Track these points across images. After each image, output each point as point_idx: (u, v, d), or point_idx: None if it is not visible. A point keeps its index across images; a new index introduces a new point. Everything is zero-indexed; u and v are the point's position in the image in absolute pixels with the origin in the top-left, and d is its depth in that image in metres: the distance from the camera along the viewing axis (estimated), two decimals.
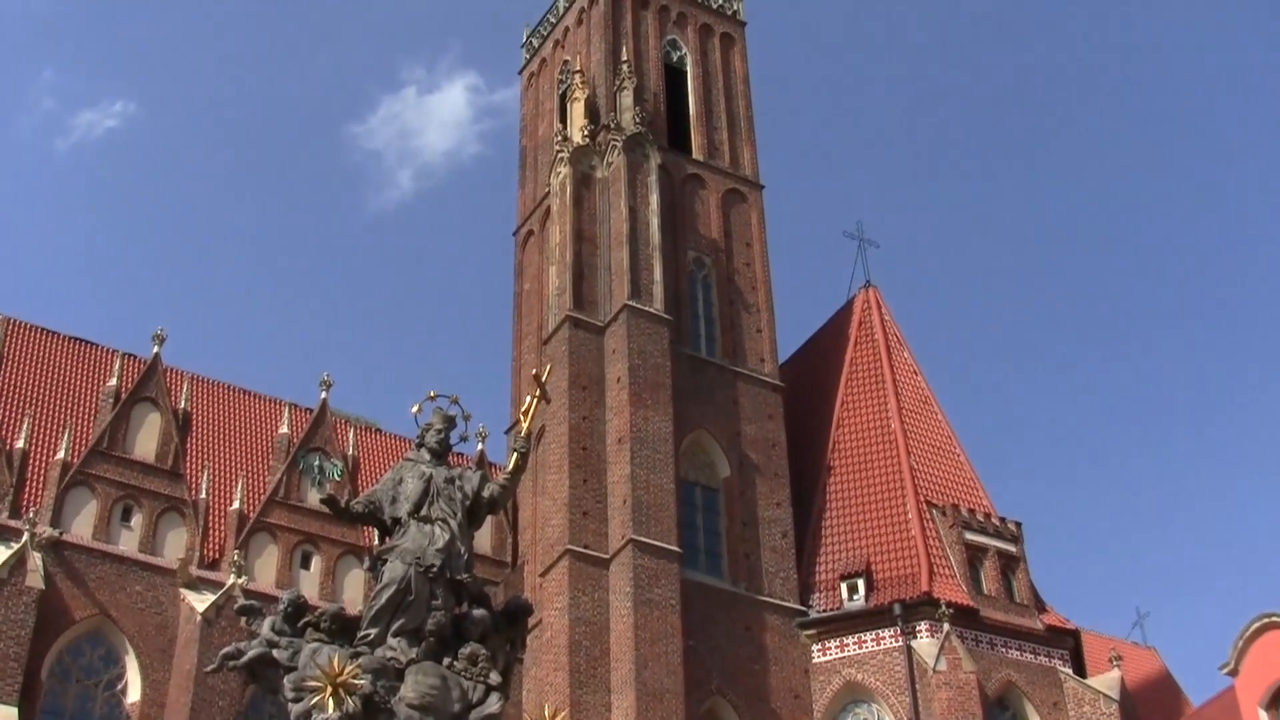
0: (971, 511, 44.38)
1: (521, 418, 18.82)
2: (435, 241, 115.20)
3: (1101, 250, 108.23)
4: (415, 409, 18.42)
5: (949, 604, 41.25)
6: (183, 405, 43.38)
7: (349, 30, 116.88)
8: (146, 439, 41.51)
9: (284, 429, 44.85)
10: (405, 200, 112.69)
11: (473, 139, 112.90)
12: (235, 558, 40.02)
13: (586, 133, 48.57)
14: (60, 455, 39.68)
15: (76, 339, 46.79)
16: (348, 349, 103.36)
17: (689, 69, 52.82)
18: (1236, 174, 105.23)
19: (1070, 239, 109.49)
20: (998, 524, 44.51)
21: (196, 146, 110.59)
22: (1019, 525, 44.87)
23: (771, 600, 42.82)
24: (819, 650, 42.36)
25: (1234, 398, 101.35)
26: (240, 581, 38.90)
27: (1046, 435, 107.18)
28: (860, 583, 42.89)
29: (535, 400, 19.22)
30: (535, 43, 56.84)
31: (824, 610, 43.01)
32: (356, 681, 15.43)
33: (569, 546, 40.49)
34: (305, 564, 42.41)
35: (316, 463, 44.19)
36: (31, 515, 37.96)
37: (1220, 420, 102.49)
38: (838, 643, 42.32)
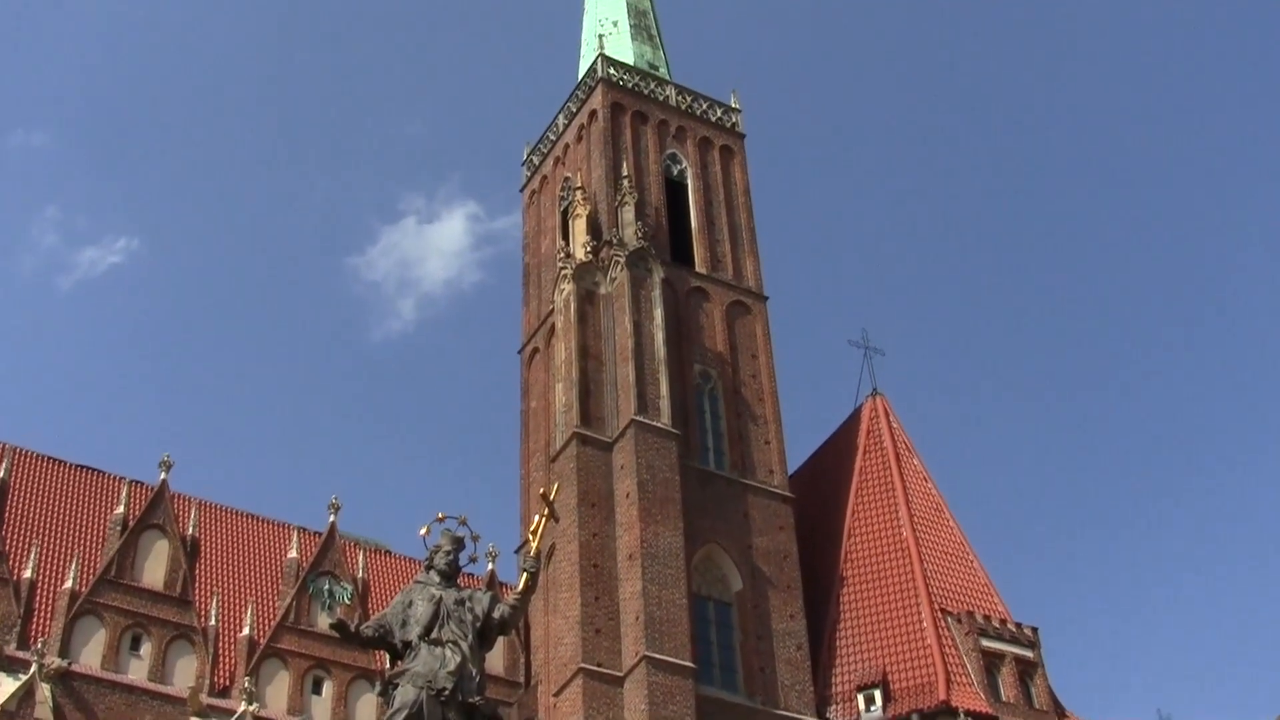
0: (987, 618, 44.04)
1: (530, 537, 18.68)
2: (440, 366, 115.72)
3: (1111, 353, 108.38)
4: (424, 531, 18.29)
5: (968, 712, 40.83)
6: (191, 531, 43.18)
7: (348, 162, 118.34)
8: (155, 566, 41.26)
9: (293, 553, 44.60)
10: (407, 330, 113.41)
11: (473, 267, 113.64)
12: (246, 684, 39.61)
13: (589, 249, 48.77)
14: (68, 584, 39.42)
15: (83, 467, 46.68)
16: (355, 471, 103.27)
17: (690, 182, 53.16)
18: (1247, 280, 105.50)
19: (1078, 342, 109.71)
20: (1014, 629, 44.14)
21: (199, 279, 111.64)
22: (1035, 630, 44.52)
23: (788, 714, 42.33)
24: None
25: (1252, 500, 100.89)
26: (252, 709, 38.51)
27: (1062, 538, 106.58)
28: (877, 693, 42.50)
29: (544, 519, 19.08)
30: (536, 160, 57.25)
31: None
32: None
33: (582, 665, 40.14)
34: (317, 689, 41.96)
35: (326, 587, 43.87)
36: (39, 646, 37.62)
37: (1240, 520, 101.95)
38: None
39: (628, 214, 49.15)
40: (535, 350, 51.41)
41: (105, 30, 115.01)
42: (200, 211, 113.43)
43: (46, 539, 42.19)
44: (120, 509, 42.10)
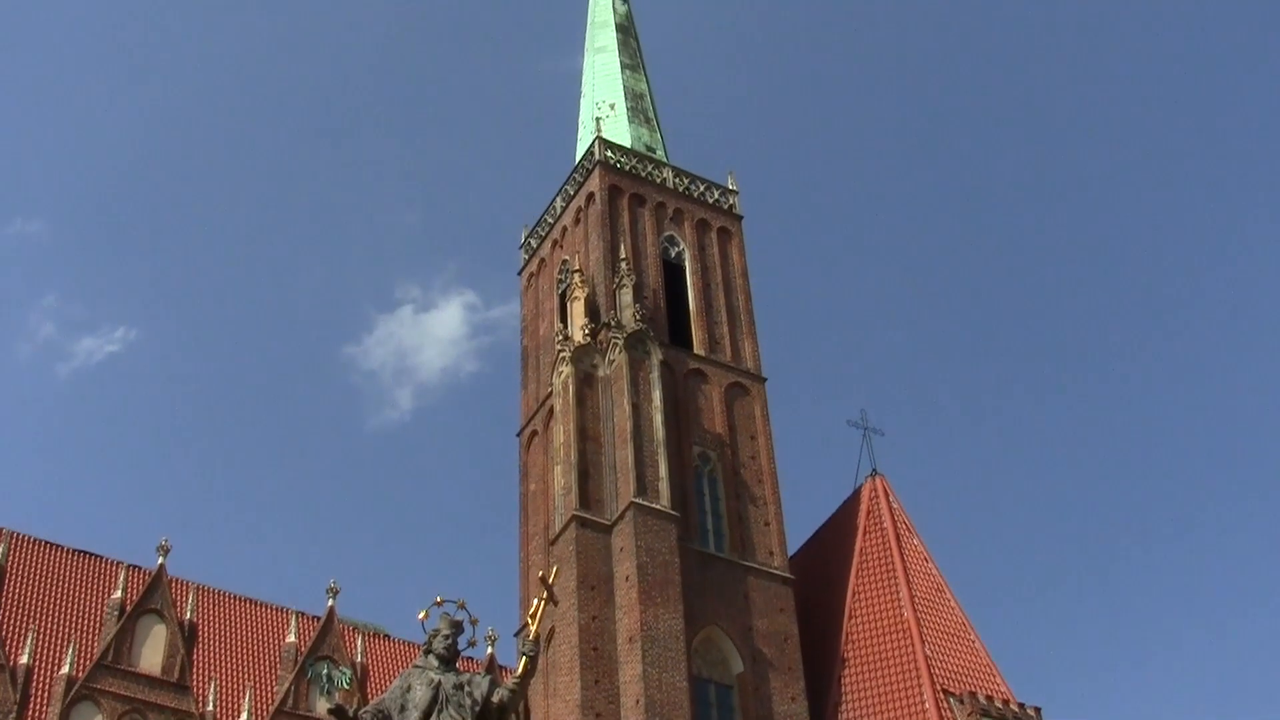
0: (990, 698, 43.77)
1: (529, 620, 18.66)
2: (437, 452, 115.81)
3: (1111, 433, 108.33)
4: (422, 615, 18.28)
5: None
6: (188, 616, 43.04)
7: (344, 251, 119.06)
8: (152, 651, 41.10)
9: (291, 638, 44.44)
10: (404, 419, 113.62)
11: (470, 356, 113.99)
12: None
13: (587, 331, 48.87)
14: (65, 670, 39.25)
15: (80, 551, 46.57)
16: (353, 555, 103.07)
17: (687, 264, 53.32)
18: (1246, 377, 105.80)
19: (1077, 422, 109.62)
20: (1017, 710, 43.86)
21: (197, 368, 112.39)
22: (1039, 710, 44.25)
23: None
24: None
25: (1258, 581, 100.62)
26: None
27: (1064, 617, 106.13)
28: None
29: (543, 602, 19.06)
30: (533, 243, 57.47)
31: None
32: None
33: None
34: None
35: (325, 671, 43.70)
36: None
37: (1246, 599, 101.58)
38: None
39: (626, 296, 49.29)
40: (534, 433, 51.39)
41: (104, 119, 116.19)
42: (197, 300, 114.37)
43: (43, 624, 42.05)
44: (118, 593, 42.00)
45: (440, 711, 17.21)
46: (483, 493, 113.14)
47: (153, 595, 42.13)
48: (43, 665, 40.31)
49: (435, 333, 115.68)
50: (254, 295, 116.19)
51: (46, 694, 39.29)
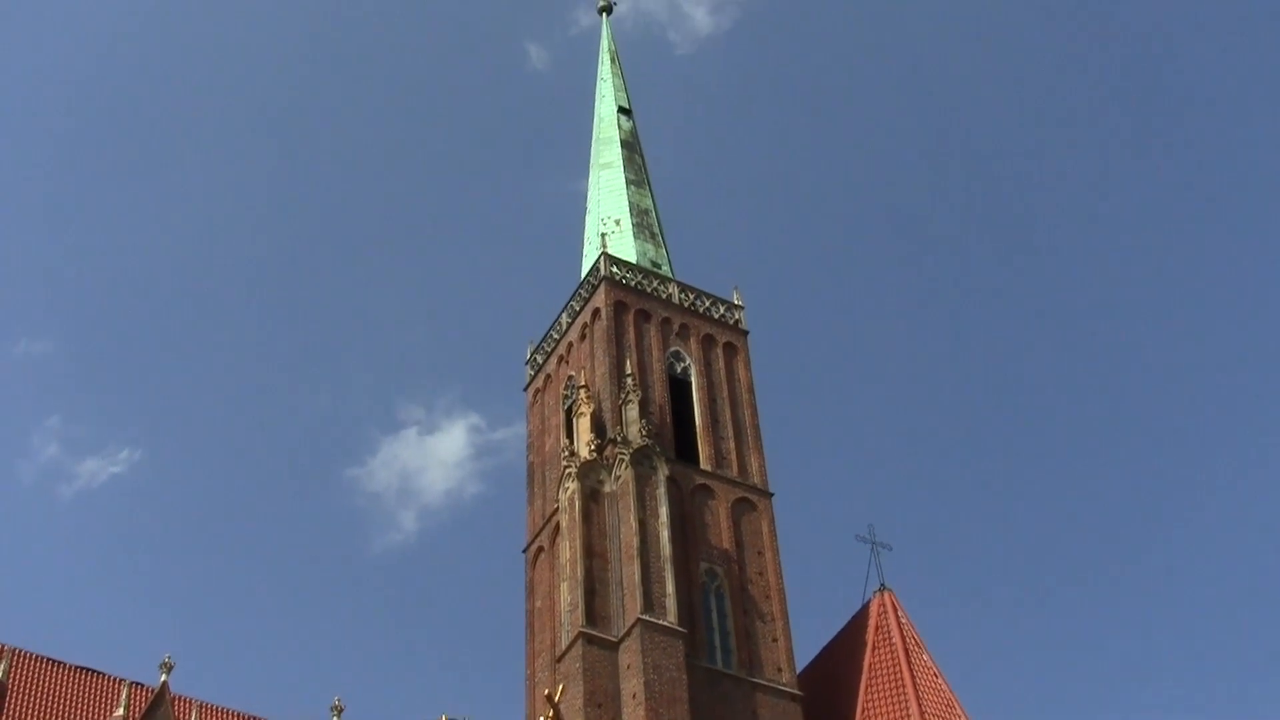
0: None
1: None
2: (442, 573, 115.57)
3: (1122, 544, 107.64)
4: None
5: None
6: None
7: (348, 373, 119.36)
8: None
9: None
10: (409, 542, 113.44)
11: (474, 478, 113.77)
12: None
13: (593, 447, 48.84)
14: None
15: (83, 668, 46.20)
16: (358, 672, 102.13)
17: (693, 379, 53.41)
18: (1254, 478, 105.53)
19: (1087, 534, 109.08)
20: None
21: (200, 489, 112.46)
22: None
23: None
24: None
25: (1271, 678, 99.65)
26: None
27: None
28: None
29: None
30: (539, 359, 57.63)
31: None
32: None
33: None
34: None
35: None
36: None
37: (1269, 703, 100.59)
38: None
39: (632, 412, 49.31)
40: (540, 549, 51.21)
41: (108, 241, 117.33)
42: (201, 423, 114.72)
43: None
44: (120, 711, 41.62)
45: None
46: (488, 611, 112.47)
47: (155, 712, 41.71)
48: None
49: (439, 455, 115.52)
50: (258, 417, 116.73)
51: None
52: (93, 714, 44.22)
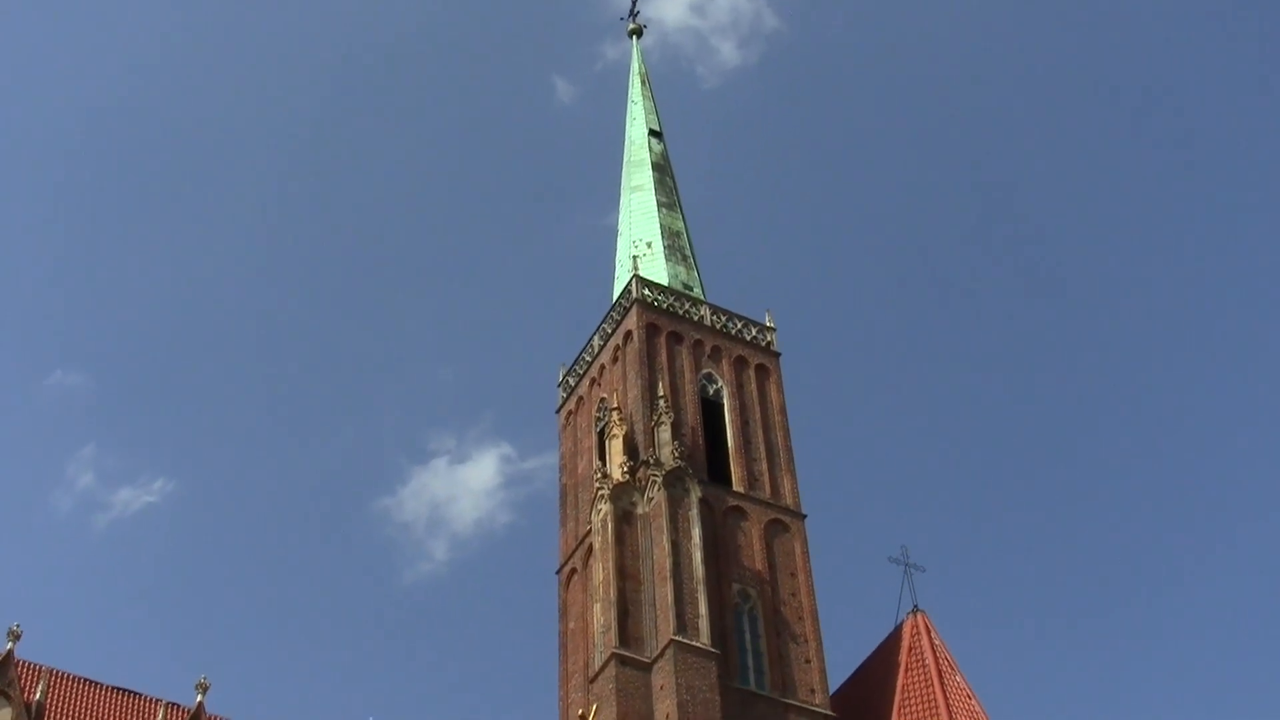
0: None
1: None
2: (473, 602, 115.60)
3: (1156, 562, 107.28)
4: None
5: None
6: None
7: (379, 403, 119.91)
8: None
9: None
10: (439, 572, 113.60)
11: (505, 507, 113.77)
12: None
13: (626, 469, 48.96)
14: None
15: (119, 689, 46.47)
16: (390, 696, 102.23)
17: (725, 401, 53.51)
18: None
19: (1123, 554, 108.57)
20: None
21: (233, 519, 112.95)
22: None
23: None
24: None
25: None
26: None
27: None
28: None
29: None
30: (571, 382, 57.80)
31: None
32: None
33: None
34: None
35: None
36: None
37: None
38: None
39: (664, 434, 49.43)
40: (573, 571, 51.34)
41: (143, 274, 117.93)
42: (234, 453, 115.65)
43: None
44: None
45: None
46: (519, 637, 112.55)
47: None
48: None
49: (470, 484, 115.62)
50: (289, 447, 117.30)
51: None
52: None
